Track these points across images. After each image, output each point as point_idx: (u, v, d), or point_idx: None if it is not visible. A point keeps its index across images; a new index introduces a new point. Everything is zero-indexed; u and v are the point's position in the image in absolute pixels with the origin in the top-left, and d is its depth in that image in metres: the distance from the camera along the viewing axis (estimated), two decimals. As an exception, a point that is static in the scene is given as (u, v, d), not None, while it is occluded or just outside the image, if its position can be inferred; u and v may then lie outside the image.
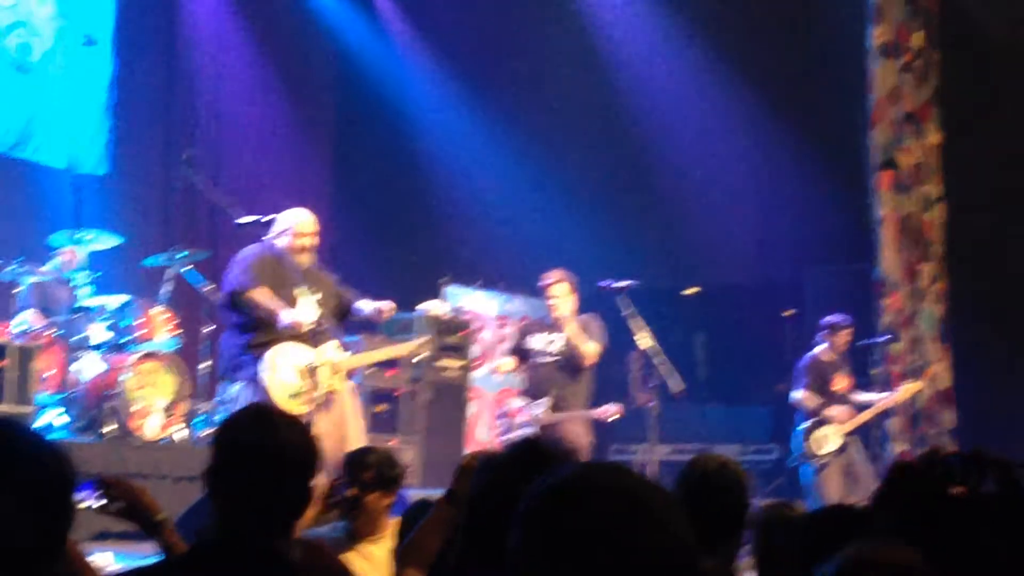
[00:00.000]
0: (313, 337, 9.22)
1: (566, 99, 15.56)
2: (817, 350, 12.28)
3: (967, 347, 13.27)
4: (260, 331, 9.14)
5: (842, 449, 12.06)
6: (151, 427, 10.43)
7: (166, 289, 11.37)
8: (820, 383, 12.15)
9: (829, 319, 12.37)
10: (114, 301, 10.88)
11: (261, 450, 3.42)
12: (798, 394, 12.17)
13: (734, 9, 14.90)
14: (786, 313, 14.37)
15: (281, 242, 9.41)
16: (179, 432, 10.64)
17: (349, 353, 9.52)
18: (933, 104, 13.40)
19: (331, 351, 9.27)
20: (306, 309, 9.23)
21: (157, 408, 10.52)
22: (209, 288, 11.69)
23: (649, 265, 14.25)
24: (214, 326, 11.66)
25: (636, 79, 15.33)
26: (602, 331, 10.69)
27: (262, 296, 9.06)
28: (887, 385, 12.73)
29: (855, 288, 13.70)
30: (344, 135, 16.06)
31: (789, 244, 14.85)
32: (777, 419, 13.82)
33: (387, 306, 9.60)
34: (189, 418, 11.00)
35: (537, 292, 11.17)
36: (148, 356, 10.63)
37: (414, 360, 11.01)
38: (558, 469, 2.11)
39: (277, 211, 9.69)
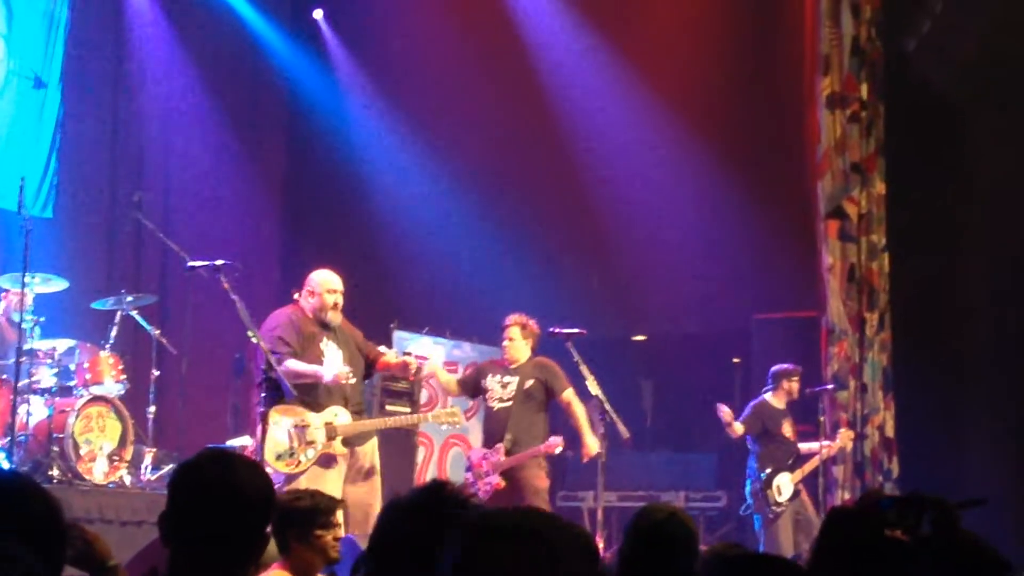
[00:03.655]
0: (326, 397, 9.42)
1: (517, 148, 15.60)
2: (767, 395, 12.45)
3: (910, 396, 13.36)
4: (273, 392, 9.33)
5: (794, 496, 12.19)
6: (97, 471, 10.38)
7: (113, 333, 11.32)
8: (764, 427, 12.31)
9: (778, 367, 12.54)
10: (60, 345, 10.83)
11: (218, 491, 3.41)
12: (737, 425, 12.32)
13: (683, 59, 15.01)
14: (734, 361, 14.43)
15: (309, 301, 9.60)
16: (125, 477, 10.59)
17: (350, 417, 9.57)
18: (879, 154, 13.52)
19: (332, 415, 9.39)
20: (338, 363, 9.50)
21: (103, 453, 10.47)
22: (156, 332, 11.68)
23: (598, 313, 14.30)
24: (159, 372, 11.66)
25: (586, 128, 15.40)
26: (562, 374, 10.83)
27: (297, 367, 9.28)
28: (836, 433, 12.82)
29: (803, 336, 13.76)
30: (294, 180, 16.07)
31: (737, 292, 14.91)
32: (724, 466, 13.87)
33: (414, 363, 9.83)
34: (135, 463, 10.95)
35: (485, 338, 11.26)
36: (95, 400, 10.58)
37: (443, 427, 11.09)
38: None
39: (227, 256, 9.71)
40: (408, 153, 15.69)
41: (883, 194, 13.52)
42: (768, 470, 12.21)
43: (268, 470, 9.11)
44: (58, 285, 11.20)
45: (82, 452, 10.35)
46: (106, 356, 11.01)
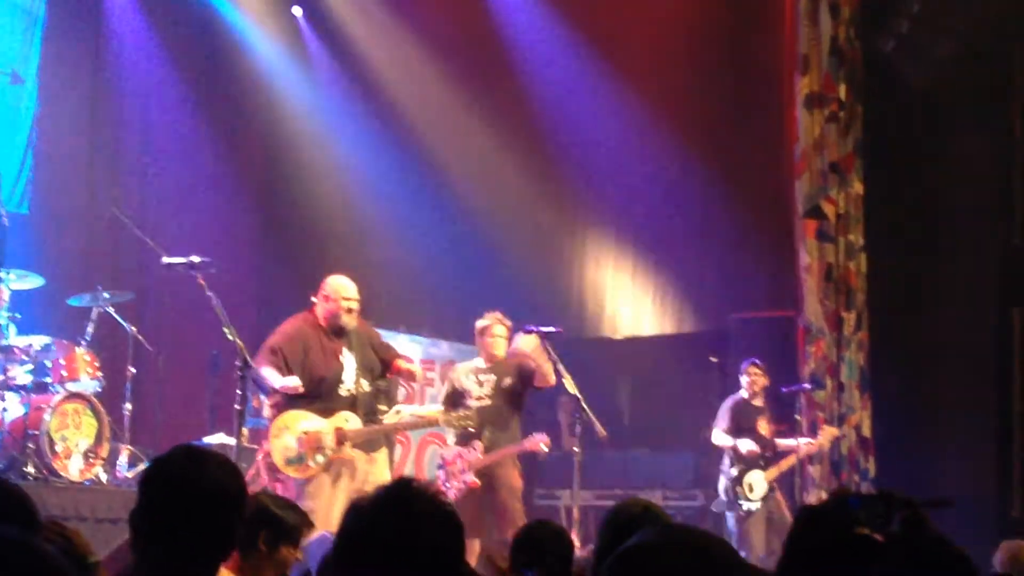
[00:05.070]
0: (335, 402, 9.58)
1: (496, 147, 15.59)
2: (742, 392, 12.51)
3: (887, 395, 13.39)
4: (286, 398, 9.59)
5: (768, 495, 12.19)
6: (73, 468, 10.34)
7: (89, 330, 11.28)
8: (740, 423, 12.34)
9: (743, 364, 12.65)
10: (36, 341, 10.79)
11: (188, 488, 3.41)
12: (715, 433, 12.40)
13: (661, 59, 15.03)
14: (712, 360, 14.45)
15: (324, 307, 9.76)
16: (101, 474, 10.56)
17: (361, 422, 9.66)
18: (856, 155, 13.54)
19: (342, 420, 9.55)
20: (347, 373, 9.67)
21: (79, 450, 10.43)
22: (133, 329, 11.65)
23: (575, 312, 14.31)
24: (136, 369, 11.63)
25: (565, 127, 15.41)
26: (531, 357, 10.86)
27: (265, 372, 9.44)
28: (813, 432, 12.85)
29: (781, 336, 13.79)
30: (271, 177, 16.01)
31: (715, 292, 14.95)
32: (701, 465, 13.87)
33: (419, 373, 10.03)
34: (111, 460, 10.91)
35: (462, 336, 11.23)
36: (70, 397, 10.54)
37: (451, 429, 10.99)
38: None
39: (203, 252, 9.69)
40: (385, 152, 15.66)
41: (861, 194, 13.54)
42: (740, 467, 12.23)
43: (280, 475, 9.48)
44: (34, 281, 11.16)
45: (58, 449, 10.31)
46: (82, 353, 10.96)
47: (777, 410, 12.70)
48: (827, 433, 12.69)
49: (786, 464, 12.35)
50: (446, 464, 10.88)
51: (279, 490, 9.45)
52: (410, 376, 10.22)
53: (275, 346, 9.59)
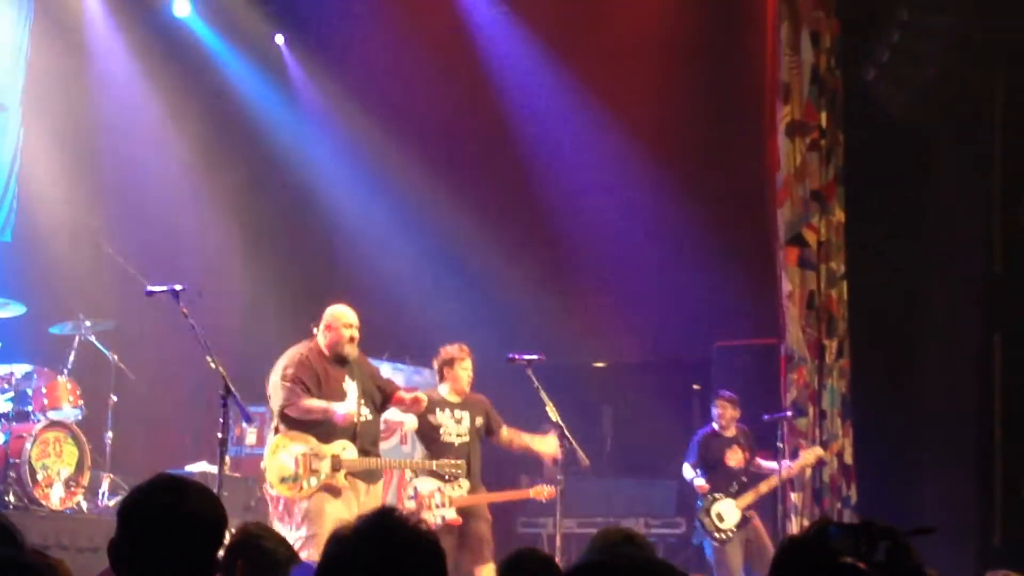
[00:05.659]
0: (335, 431, 9.55)
1: (478, 174, 15.61)
2: (713, 424, 12.51)
3: (868, 423, 13.40)
4: (289, 422, 9.57)
5: (743, 522, 12.15)
6: (54, 497, 10.32)
7: (71, 358, 11.26)
8: (707, 456, 12.35)
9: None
10: (18, 370, 10.77)
11: (167, 518, 3.41)
12: (683, 467, 12.43)
13: (644, 86, 15.06)
14: (695, 388, 14.47)
15: (326, 336, 9.76)
16: (82, 503, 10.54)
17: (357, 453, 9.66)
18: (838, 182, 13.58)
19: (340, 448, 9.56)
20: (351, 401, 9.66)
21: (60, 478, 10.41)
22: (115, 358, 11.62)
23: (558, 339, 14.30)
24: (117, 397, 11.60)
25: (546, 156, 15.43)
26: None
27: (310, 403, 9.48)
28: (794, 458, 12.84)
29: (762, 363, 13.79)
30: (255, 205, 15.99)
31: (698, 319, 14.95)
32: (683, 493, 13.87)
33: (424, 400, 10.17)
34: (92, 489, 10.89)
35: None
36: (52, 426, 10.52)
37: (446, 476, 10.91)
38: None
39: (186, 280, 9.68)
40: (368, 178, 15.67)
41: (842, 222, 13.57)
42: (707, 498, 12.22)
43: (273, 492, 9.42)
44: (16, 310, 11.16)
45: (39, 478, 10.30)
46: (64, 381, 10.96)
47: (759, 438, 12.69)
48: (812, 452, 12.64)
49: (764, 488, 12.31)
50: (424, 497, 10.62)
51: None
52: (416, 404, 10.20)
53: (296, 376, 9.58)
